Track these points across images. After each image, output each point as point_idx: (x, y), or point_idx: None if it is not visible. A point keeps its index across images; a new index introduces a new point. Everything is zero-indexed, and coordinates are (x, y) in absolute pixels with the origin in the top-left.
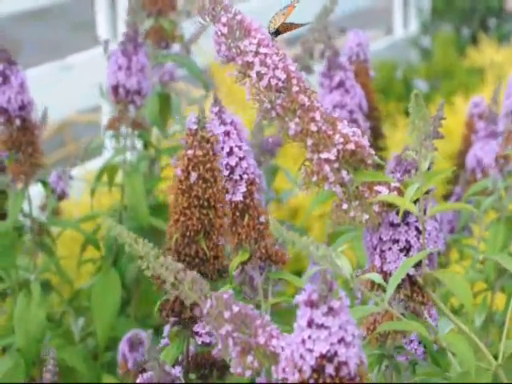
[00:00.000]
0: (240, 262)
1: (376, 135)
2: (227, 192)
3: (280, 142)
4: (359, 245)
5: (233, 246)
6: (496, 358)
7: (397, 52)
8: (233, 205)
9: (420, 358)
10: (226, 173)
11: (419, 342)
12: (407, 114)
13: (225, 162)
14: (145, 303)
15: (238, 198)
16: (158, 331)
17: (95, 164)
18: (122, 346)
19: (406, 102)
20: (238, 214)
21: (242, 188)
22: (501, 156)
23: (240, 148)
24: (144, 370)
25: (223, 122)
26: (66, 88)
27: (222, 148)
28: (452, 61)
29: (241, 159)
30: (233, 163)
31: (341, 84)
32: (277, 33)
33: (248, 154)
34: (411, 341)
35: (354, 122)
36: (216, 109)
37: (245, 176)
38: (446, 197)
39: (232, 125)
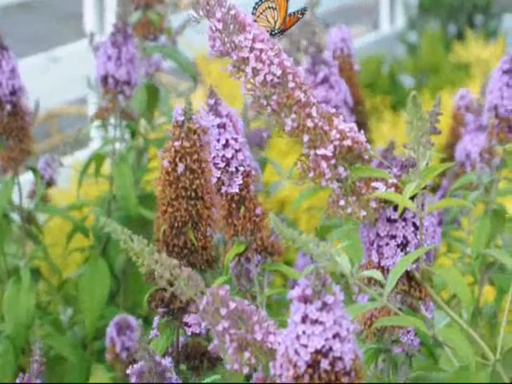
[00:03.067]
0: (236, 254)
1: (361, 129)
2: (223, 184)
3: (268, 134)
4: (351, 240)
5: (228, 238)
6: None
7: (383, 47)
8: (229, 197)
9: (415, 348)
10: (222, 165)
11: (415, 334)
12: (393, 108)
13: (221, 154)
14: (133, 293)
15: (234, 190)
16: (146, 321)
17: (81, 154)
18: (110, 330)
19: (392, 96)
20: (233, 205)
21: (239, 180)
22: (486, 150)
23: (236, 140)
24: (134, 361)
25: (219, 115)
26: (52, 80)
27: (218, 140)
28: (438, 57)
29: (237, 151)
30: (229, 155)
31: (325, 80)
32: (282, 32)
33: (244, 147)
34: (408, 331)
35: None
36: (212, 101)
37: (241, 168)
38: (433, 189)
39: (228, 117)
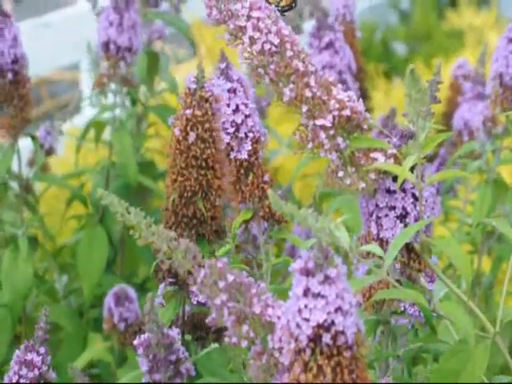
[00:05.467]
0: (243, 221)
1: (363, 96)
2: (232, 150)
3: (268, 102)
4: (350, 209)
5: (235, 205)
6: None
7: (376, 15)
8: (237, 163)
9: (422, 321)
10: (232, 130)
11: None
12: (386, 75)
13: (230, 120)
14: (130, 261)
15: (243, 156)
16: (143, 288)
17: (75, 121)
18: (108, 301)
19: (384, 63)
20: (242, 172)
21: (248, 146)
22: (488, 119)
23: (246, 106)
24: (135, 332)
25: (229, 79)
26: (44, 45)
27: (228, 105)
28: (431, 24)
29: (246, 117)
30: (239, 121)
31: (330, 45)
32: (290, 7)
33: (254, 112)
34: (413, 304)
35: (343, 83)
36: (223, 65)
37: (250, 134)
38: (430, 159)
39: (238, 82)
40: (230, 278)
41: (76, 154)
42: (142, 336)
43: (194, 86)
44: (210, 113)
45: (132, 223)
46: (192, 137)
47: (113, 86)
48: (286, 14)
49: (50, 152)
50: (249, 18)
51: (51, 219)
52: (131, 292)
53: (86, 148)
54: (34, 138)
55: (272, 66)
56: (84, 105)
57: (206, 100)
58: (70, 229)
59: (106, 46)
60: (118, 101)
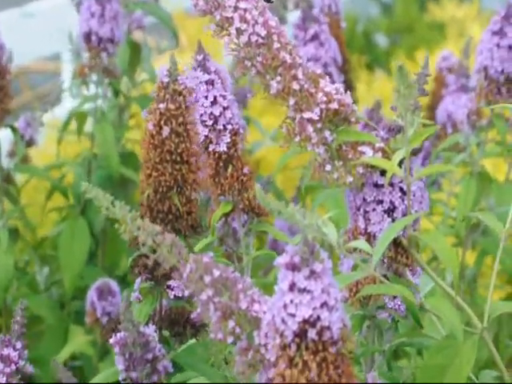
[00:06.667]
0: (223, 214)
1: (348, 88)
2: (211, 142)
3: (252, 93)
4: (335, 203)
5: (215, 198)
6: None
7: (358, 6)
8: (216, 155)
9: (402, 314)
10: (210, 123)
11: (402, 300)
12: (368, 67)
13: (208, 112)
14: (112, 252)
15: (222, 148)
16: (124, 280)
17: (55, 111)
18: (91, 295)
19: (366, 55)
20: (221, 164)
21: (226, 138)
22: (473, 112)
23: (224, 97)
24: (116, 327)
25: (207, 71)
26: (24, 35)
27: (206, 97)
28: (413, 16)
29: (225, 109)
30: (217, 113)
31: (315, 37)
32: None
33: (232, 104)
34: (394, 297)
35: (328, 75)
36: (200, 57)
37: (229, 126)
38: (415, 151)
39: (216, 73)
40: (216, 272)
41: (57, 145)
42: (118, 334)
43: (166, 80)
44: (183, 106)
45: (117, 217)
46: (166, 131)
47: (94, 76)
48: (272, 1)
49: (30, 143)
50: (236, 8)
51: (32, 211)
52: (114, 286)
53: (66, 140)
54: (14, 129)
55: (259, 58)
56: (65, 96)
57: (180, 93)
58: (51, 220)
59: (87, 37)
60: (100, 92)
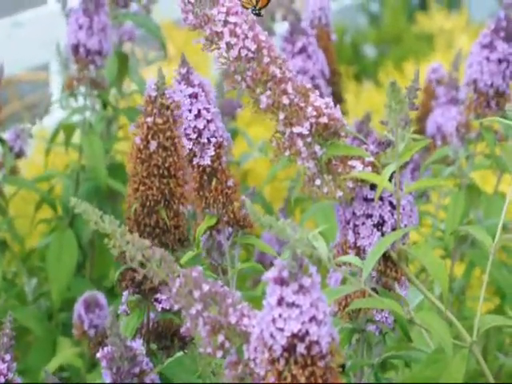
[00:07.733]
0: (207, 227)
1: (337, 100)
2: (195, 156)
3: (240, 105)
4: (324, 216)
5: (199, 211)
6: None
7: (346, 17)
8: (200, 169)
9: (390, 327)
10: (194, 136)
11: (389, 312)
12: (356, 78)
13: (192, 125)
14: (100, 264)
15: (206, 161)
16: (112, 292)
17: (45, 122)
18: (78, 307)
19: (354, 66)
20: (205, 178)
21: (210, 151)
22: (462, 124)
23: (208, 110)
24: (103, 340)
25: (190, 84)
26: (13, 45)
27: (190, 110)
28: (401, 26)
29: (209, 122)
30: (201, 126)
31: (303, 49)
32: (262, 7)
33: (216, 117)
34: (382, 310)
35: (316, 87)
36: (184, 70)
37: (213, 139)
38: (404, 164)
39: (200, 86)
40: (206, 287)
41: (45, 156)
42: (106, 349)
43: (154, 94)
44: (171, 120)
45: (106, 232)
46: (153, 145)
47: (83, 88)
48: (262, 14)
49: (19, 155)
50: (226, 23)
51: (20, 222)
52: (101, 298)
53: (54, 151)
54: (2, 141)
55: (249, 73)
56: (53, 107)
57: (167, 107)
58: (39, 232)
59: (75, 49)
60: (88, 103)
